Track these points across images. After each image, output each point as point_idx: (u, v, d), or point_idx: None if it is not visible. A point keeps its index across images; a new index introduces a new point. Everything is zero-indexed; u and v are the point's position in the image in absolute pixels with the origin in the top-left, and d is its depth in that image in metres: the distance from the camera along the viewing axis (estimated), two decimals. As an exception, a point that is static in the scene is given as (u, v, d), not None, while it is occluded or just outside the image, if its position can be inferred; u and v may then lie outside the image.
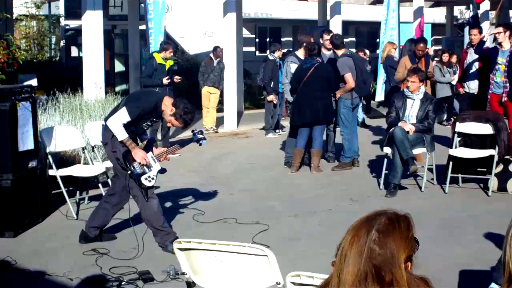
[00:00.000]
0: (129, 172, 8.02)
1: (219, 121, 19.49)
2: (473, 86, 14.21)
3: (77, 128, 11.48)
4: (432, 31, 28.50)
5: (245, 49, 24.30)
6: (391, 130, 11.35)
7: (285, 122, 17.26)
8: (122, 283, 7.11)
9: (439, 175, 11.79)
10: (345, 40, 14.17)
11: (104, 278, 7.28)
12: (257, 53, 33.43)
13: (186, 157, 14.42)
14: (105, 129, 8.16)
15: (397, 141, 11.01)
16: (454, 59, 19.87)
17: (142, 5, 19.58)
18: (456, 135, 11.62)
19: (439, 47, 27.35)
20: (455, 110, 19.76)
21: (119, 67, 27.51)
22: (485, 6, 28.00)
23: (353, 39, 36.61)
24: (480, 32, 14.26)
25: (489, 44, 14.00)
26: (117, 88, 25.08)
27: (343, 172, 13.05)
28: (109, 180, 10.11)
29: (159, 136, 14.73)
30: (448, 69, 19.22)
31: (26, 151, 9.18)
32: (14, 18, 22.47)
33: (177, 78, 14.60)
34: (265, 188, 11.95)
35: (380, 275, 2.65)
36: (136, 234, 8.18)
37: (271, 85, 17.38)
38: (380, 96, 21.53)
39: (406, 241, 2.73)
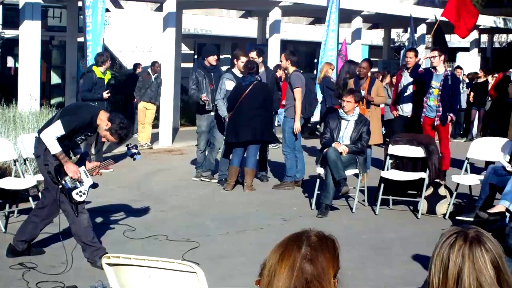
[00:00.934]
0: (60, 186, 7.95)
1: (154, 137, 19.39)
2: (406, 109, 14.34)
3: (10, 140, 11.32)
4: (369, 53, 28.82)
5: (183, 65, 24.27)
6: (324, 150, 11.44)
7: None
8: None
9: (371, 196, 11.91)
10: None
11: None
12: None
13: (119, 173, 14.32)
14: (38, 141, 8.08)
15: (330, 161, 11.10)
16: (387, 79, 20.10)
17: (82, 16, 19.45)
18: (388, 157, 11.76)
19: (376, 69, 27.69)
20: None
21: (55, 79, 27.22)
22: (421, 30, 28.48)
23: (292, 58, 36.83)
24: (416, 55, 14.44)
25: (424, 67, 14.17)
26: (53, 101, 24.81)
27: (277, 191, 13.08)
28: (39, 194, 10.01)
29: (93, 151, 14.61)
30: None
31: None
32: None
33: (106, 93, 14.36)
34: (198, 205, 11.93)
35: None
36: (65, 248, 8.10)
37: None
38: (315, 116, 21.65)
39: (334, 258, 2.76)
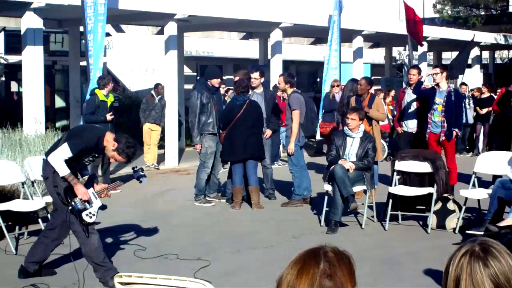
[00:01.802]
0: (70, 207, 7.96)
1: (161, 158, 19.44)
2: (411, 125, 14.34)
3: (17, 163, 11.34)
4: (371, 71, 28.87)
5: (186, 86, 24.35)
6: (331, 167, 11.46)
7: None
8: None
9: (379, 212, 11.91)
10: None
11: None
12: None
13: (127, 193, 14.33)
14: (46, 163, 8.10)
15: (337, 178, 11.12)
16: (390, 97, 20.20)
17: (83, 41, 19.53)
18: (395, 173, 11.77)
19: (379, 86, 27.76)
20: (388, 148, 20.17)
21: (59, 102, 27.31)
22: (422, 48, 28.53)
23: (293, 78, 36.91)
24: (419, 72, 14.49)
25: (427, 83, 14.23)
26: (58, 124, 24.86)
27: (286, 209, 13.09)
28: (49, 215, 10.02)
29: (99, 172, 14.63)
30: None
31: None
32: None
33: (110, 115, 14.38)
34: (206, 224, 11.92)
35: None
36: (77, 269, 8.10)
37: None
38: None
39: (350, 274, 2.75)
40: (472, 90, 23.89)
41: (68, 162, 7.95)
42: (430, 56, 31.89)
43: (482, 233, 9.99)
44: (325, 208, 11.60)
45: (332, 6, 22.41)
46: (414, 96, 14.12)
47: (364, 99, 14.01)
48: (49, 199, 10.36)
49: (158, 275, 4.60)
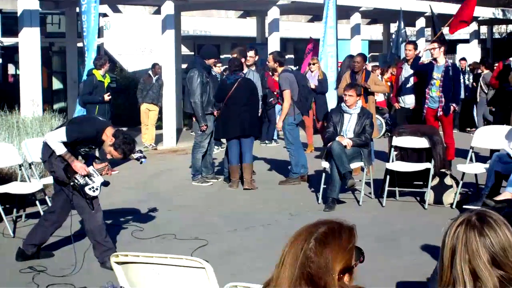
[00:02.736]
0: (71, 183, 7.96)
1: (159, 138, 19.43)
2: (408, 101, 14.31)
3: (14, 146, 11.33)
4: (369, 48, 28.83)
5: (184, 66, 24.28)
6: (329, 144, 11.45)
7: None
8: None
9: (377, 189, 11.92)
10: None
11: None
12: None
13: (124, 174, 14.35)
14: (45, 146, 8.10)
15: (335, 155, 11.11)
16: (388, 73, 20.19)
17: (79, 22, 19.44)
18: (392, 149, 11.76)
19: (376, 63, 27.72)
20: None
21: (57, 84, 27.23)
22: (420, 23, 28.50)
23: (292, 56, 36.81)
24: (415, 47, 14.47)
25: (424, 59, 14.20)
26: (55, 106, 24.85)
27: (283, 187, 13.11)
28: (46, 198, 10.04)
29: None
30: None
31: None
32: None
33: (107, 95, 14.36)
34: (204, 204, 11.95)
35: (314, 281, 2.68)
36: (76, 250, 8.10)
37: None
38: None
39: (344, 252, 2.76)
40: (470, 65, 23.84)
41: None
42: (428, 31, 31.76)
43: (479, 207, 9.99)
44: (322, 186, 11.62)
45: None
46: (411, 72, 14.12)
47: (359, 76, 14.04)
48: (46, 181, 10.39)
49: (155, 254, 4.62)
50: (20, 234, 9.31)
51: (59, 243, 8.97)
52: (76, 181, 7.95)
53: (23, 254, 8.42)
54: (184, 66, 23.60)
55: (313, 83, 16.42)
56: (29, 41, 16.92)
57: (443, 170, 11.51)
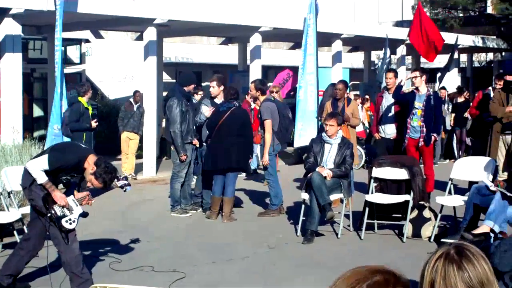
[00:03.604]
0: (49, 215, 7.92)
1: (138, 168, 19.34)
2: (389, 131, 14.30)
3: (-7, 174, 11.28)
4: (350, 76, 28.87)
5: (165, 93, 24.29)
6: (309, 175, 11.44)
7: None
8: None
9: (356, 221, 11.91)
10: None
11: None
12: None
13: (104, 203, 14.26)
14: (26, 172, 8.07)
15: (314, 186, 11.10)
16: (368, 103, 20.28)
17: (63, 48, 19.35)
18: (372, 180, 11.77)
19: (357, 92, 27.80)
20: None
21: (38, 111, 27.09)
22: (401, 51, 28.60)
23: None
24: (396, 75, 14.48)
25: (405, 88, 14.21)
26: (36, 133, 24.67)
27: (262, 219, 13.08)
28: (24, 227, 9.98)
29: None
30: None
31: None
32: None
33: (94, 122, 14.39)
34: (183, 235, 11.90)
35: None
36: (52, 282, 8.05)
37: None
38: (298, 140, 21.54)
39: None
40: (449, 94, 23.97)
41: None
42: (409, 60, 31.94)
43: (456, 241, 10.01)
44: (301, 218, 11.60)
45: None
46: (392, 101, 14.09)
47: (341, 104, 14.03)
48: (25, 210, 10.33)
49: (132, 286, 4.61)
50: (-4, 265, 9.24)
51: (34, 274, 8.92)
52: (53, 212, 7.91)
53: (-1, 286, 8.37)
54: (165, 93, 23.65)
55: None
56: (11, 67, 16.84)
57: (422, 202, 11.52)
